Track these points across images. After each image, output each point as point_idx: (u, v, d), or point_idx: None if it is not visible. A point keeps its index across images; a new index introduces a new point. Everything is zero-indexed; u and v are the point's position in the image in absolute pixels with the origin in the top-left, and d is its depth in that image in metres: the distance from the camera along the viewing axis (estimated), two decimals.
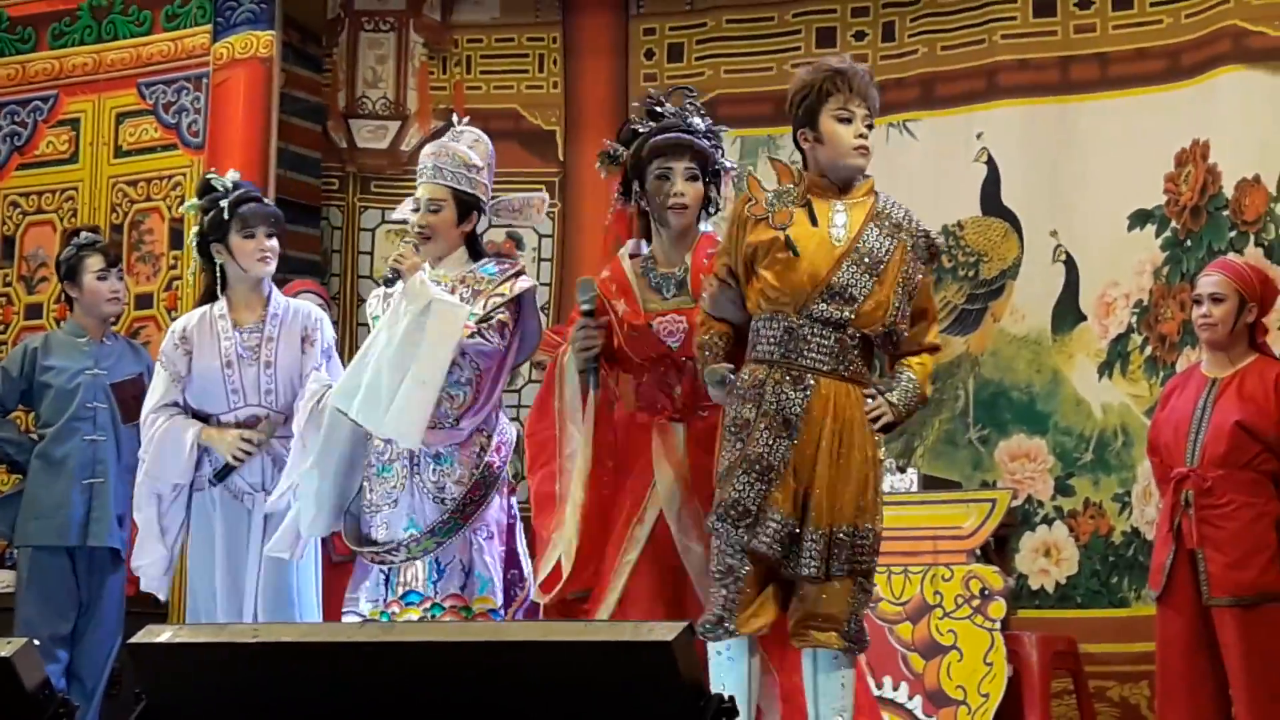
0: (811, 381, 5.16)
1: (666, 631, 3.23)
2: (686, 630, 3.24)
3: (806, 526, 5.13)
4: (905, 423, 5.38)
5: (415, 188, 5.85)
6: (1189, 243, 7.42)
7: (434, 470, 5.73)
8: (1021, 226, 7.98)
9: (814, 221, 5.20)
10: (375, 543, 5.74)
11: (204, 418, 6.27)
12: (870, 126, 5.22)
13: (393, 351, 5.65)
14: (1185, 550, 6.26)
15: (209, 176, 6.43)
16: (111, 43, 8.79)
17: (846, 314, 5.16)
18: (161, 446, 6.24)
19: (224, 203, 6.26)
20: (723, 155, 5.66)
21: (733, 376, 5.23)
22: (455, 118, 6.07)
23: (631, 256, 5.64)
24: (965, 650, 6.82)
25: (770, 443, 5.14)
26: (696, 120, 5.60)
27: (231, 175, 6.46)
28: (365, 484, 5.81)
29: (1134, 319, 7.57)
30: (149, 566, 6.29)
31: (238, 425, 6.24)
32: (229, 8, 8.42)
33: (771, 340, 5.20)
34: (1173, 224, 7.51)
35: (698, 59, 8.64)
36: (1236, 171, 7.29)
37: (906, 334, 5.28)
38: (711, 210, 5.66)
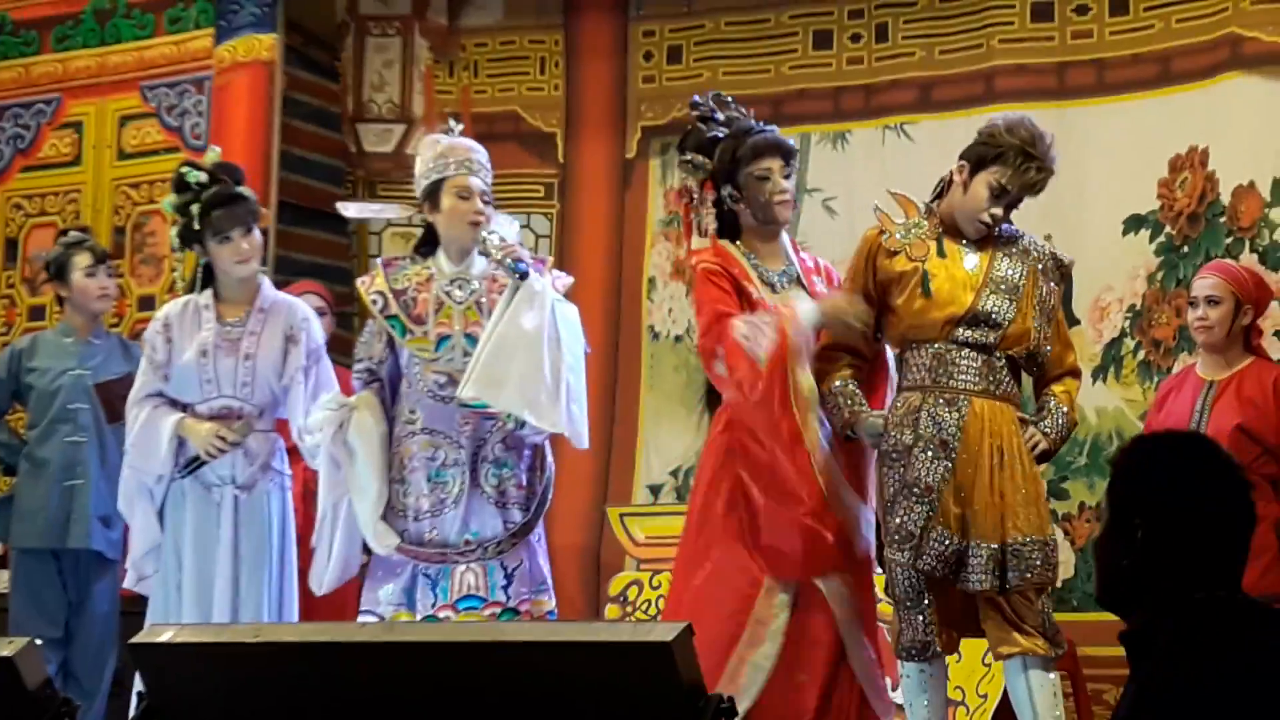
0: (965, 402, 5.37)
1: (665, 632, 3.26)
2: (685, 630, 3.27)
3: (971, 542, 5.28)
4: (1058, 450, 5.59)
5: (450, 175, 5.87)
6: (1186, 249, 7.43)
7: (493, 474, 5.77)
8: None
9: (942, 253, 5.43)
10: (426, 544, 5.76)
11: (183, 408, 6.19)
12: (1010, 205, 5.50)
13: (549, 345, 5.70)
14: None
15: (183, 172, 6.26)
16: (114, 46, 8.81)
17: (993, 338, 5.40)
18: (142, 437, 6.16)
19: (195, 210, 6.13)
20: None
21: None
22: (452, 121, 6.12)
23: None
24: (964, 652, 6.83)
25: (929, 465, 5.34)
26: (756, 122, 5.87)
27: (210, 156, 6.35)
28: (398, 488, 5.82)
29: (1127, 323, 7.59)
30: (144, 561, 6.26)
31: (211, 417, 6.14)
32: (231, 11, 8.43)
33: (921, 367, 5.44)
34: (1167, 229, 7.52)
35: (696, 61, 8.65)
36: (1233, 178, 7.31)
37: (1048, 354, 5.51)
38: None
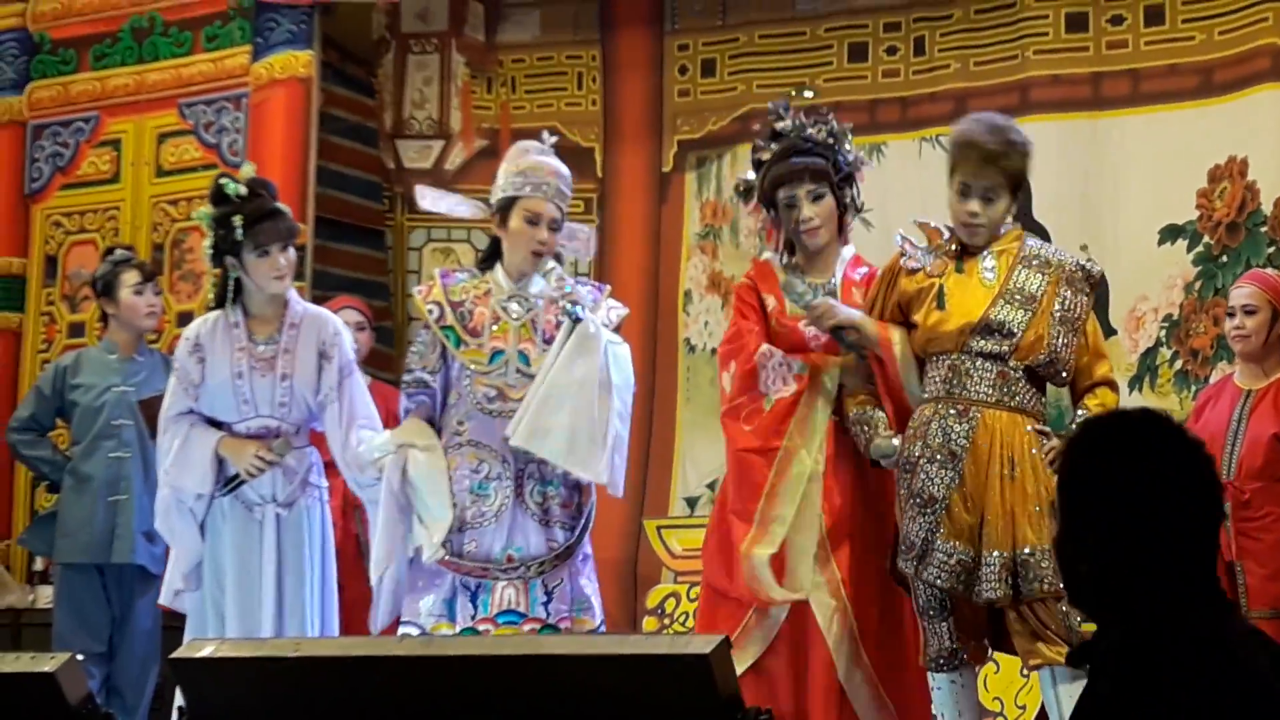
0: (976, 414, 5.37)
1: (703, 644, 3.27)
2: (723, 643, 3.27)
3: (983, 552, 5.28)
4: None
5: (525, 195, 5.80)
6: (1224, 258, 7.42)
7: (538, 491, 5.78)
8: (1052, 240, 7.99)
9: (960, 269, 5.45)
10: (465, 557, 5.75)
11: (218, 425, 6.16)
12: (986, 198, 5.44)
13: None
14: (1223, 563, 6.25)
15: (221, 183, 6.22)
16: (152, 64, 8.84)
17: (1005, 347, 5.38)
18: (182, 456, 6.12)
19: (237, 221, 6.08)
20: (849, 155, 5.86)
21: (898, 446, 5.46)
22: (546, 134, 6.04)
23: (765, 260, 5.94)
24: (1002, 662, 6.84)
25: (933, 475, 5.33)
26: (812, 131, 5.84)
27: (246, 171, 6.34)
28: None
29: (1163, 333, 7.58)
30: (189, 577, 6.26)
31: (249, 436, 6.12)
32: (268, 28, 8.46)
33: (937, 379, 5.47)
34: (1205, 239, 7.51)
35: (730, 74, 8.67)
36: (1275, 189, 7.29)
37: (1072, 364, 5.47)
38: (853, 212, 5.93)
